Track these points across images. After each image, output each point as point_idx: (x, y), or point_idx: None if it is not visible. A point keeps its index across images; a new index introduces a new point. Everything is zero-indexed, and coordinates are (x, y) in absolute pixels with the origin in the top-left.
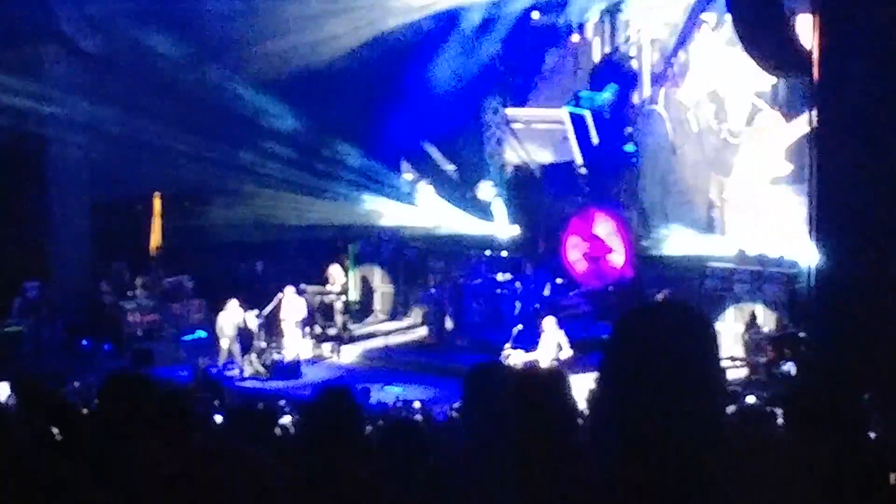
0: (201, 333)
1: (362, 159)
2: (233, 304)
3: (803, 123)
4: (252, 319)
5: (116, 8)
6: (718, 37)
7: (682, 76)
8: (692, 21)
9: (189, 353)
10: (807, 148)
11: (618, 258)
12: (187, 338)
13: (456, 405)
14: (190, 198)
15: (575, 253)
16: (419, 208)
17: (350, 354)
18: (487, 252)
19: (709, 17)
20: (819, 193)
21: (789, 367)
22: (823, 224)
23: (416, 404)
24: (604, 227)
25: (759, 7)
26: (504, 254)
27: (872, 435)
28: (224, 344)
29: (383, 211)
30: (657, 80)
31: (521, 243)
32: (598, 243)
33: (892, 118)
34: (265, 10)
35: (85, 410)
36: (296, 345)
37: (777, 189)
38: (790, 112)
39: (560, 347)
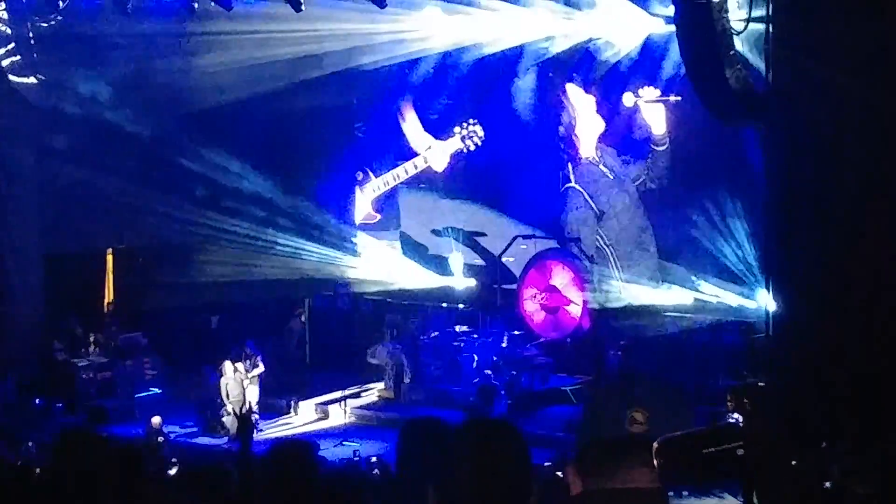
0: (155, 390)
1: (318, 214)
2: (228, 367)
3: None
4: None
5: (67, 61)
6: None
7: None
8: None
9: (143, 411)
10: None
11: (575, 309)
12: (141, 395)
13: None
14: (144, 253)
15: (532, 304)
16: (375, 262)
17: (306, 409)
18: (444, 304)
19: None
20: (773, 240)
21: (736, 418)
22: (779, 270)
23: (373, 459)
24: (560, 278)
25: (707, 54)
26: (461, 306)
27: (828, 484)
28: (231, 409)
29: (339, 265)
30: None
31: (477, 295)
32: (555, 294)
33: (850, 161)
34: (220, 63)
35: (38, 470)
36: (252, 400)
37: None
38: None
39: None
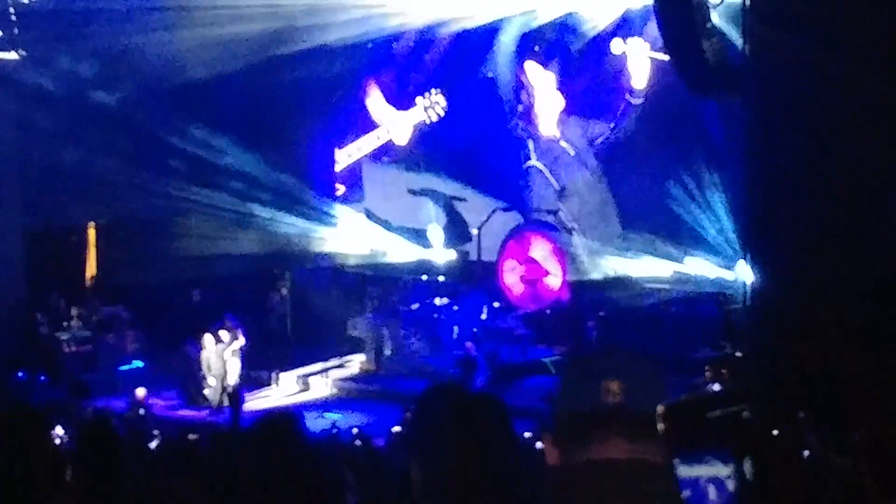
0: (138, 364)
1: (298, 187)
2: (209, 340)
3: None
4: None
5: (49, 36)
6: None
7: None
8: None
9: (125, 384)
10: None
11: (554, 281)
12: (123, 368)
13: (395, 428)
14: (125, 227)
15: (511, 276)
16: (355, 234)
17: (288, 381)
18: (424, 277)
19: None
20: (751, 211)
21: (715, 387)
22: (757, 243)
23: (354, 430)
24: (540, 249)
25: (684, 27)
26: (441, 278)
27: (807, 453)
28: (212, 382)
29: (320, 237)
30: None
31: (457, 267)
32: (534, 266)
33: (825, 134)
34: (200, 37)
35: None
36: (233, 373)
37: None
38: None
39: None
